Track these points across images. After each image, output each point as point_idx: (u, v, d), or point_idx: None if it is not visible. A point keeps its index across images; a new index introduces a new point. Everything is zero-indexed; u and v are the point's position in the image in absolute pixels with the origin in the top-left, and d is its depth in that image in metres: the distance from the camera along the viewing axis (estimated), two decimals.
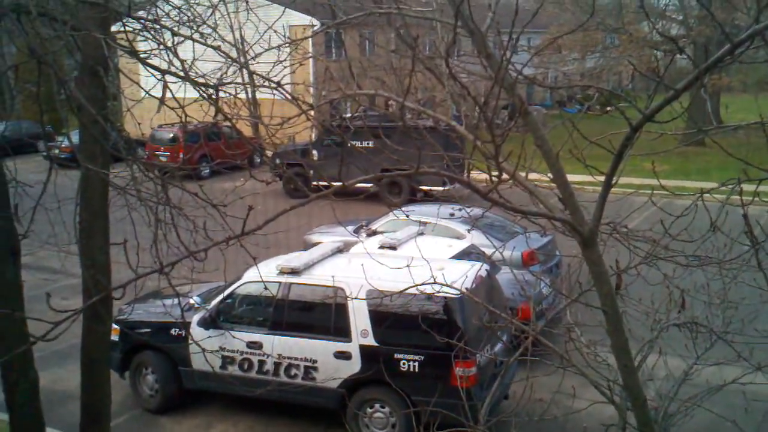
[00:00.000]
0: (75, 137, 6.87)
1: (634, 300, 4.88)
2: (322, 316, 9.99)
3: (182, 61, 4.42)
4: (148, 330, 10.86)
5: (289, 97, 4.15)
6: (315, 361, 9.81)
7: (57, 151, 25.71)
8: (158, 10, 6.01)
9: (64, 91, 5.31)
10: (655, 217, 4.49)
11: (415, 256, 7.28)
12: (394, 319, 9.43)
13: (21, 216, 6.68)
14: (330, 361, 9.73)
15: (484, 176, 3.75)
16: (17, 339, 6.63)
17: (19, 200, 6.66)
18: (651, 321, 5.13)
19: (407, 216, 11.19)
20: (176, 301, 9.15)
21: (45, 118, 8.55)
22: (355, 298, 9.23)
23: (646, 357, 4.90)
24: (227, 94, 4.79)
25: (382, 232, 14.82)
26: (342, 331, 9.69)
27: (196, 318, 10.52)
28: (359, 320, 9.58)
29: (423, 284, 5.13)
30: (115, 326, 10.58)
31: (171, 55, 4.43)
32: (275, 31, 5.48)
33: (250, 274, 10.23)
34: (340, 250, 11.32)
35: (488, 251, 12.02)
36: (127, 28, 5.74)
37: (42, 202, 6.39)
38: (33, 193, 6.53)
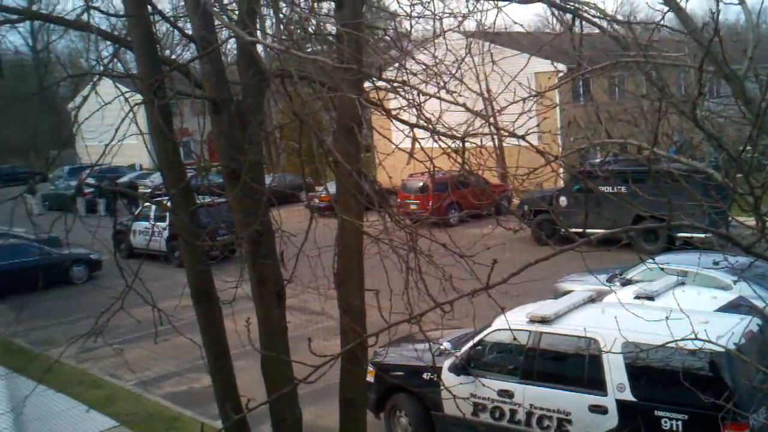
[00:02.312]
0: (332, 188, 7.32)
1: None
2: (575, 367, 9.65)
3: (427, 120, 4.56)
4: (402, 373, 11.16)
5: (535, 148, 4.10)
6: (569, 414, 9.48)
7: (317, 201, 27.56)
8: (407, 69, 6.27)
9: (322, 147, 5.69)
10: None
11: (675, 307, 6.84)
12: (653, 374, 8.90)
13: (286, 262, 7.22)
14: (585, 415, 9.34)
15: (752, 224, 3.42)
16: (283, 378, 7.10)
17: (284, 247, 7.19)
18: None
19: (661, 268, 10.55)
20: (428, 346, 9.33)
21: (306, 170, 9.16)
22: (611, 351, 8.84)
23: None
24: (474, 145, 4.85)
25: (637, 282, 14.12)
26: (597, 384, 9.29)
27: (447, 363, 10.64)
28: (615, 374, 9.13)
29: (684, 339, 4.78)
30: (371, 368, 10.99)
31: (419, 111, 4.59)
32: (519, 83, 5.47)
33: (500, 322, 10.17)
34: (592, 300, 10.93)
35: (761, 304, 10.97)
36: (378, 86, 6.04)
37: (304, 250, 6.85)
38: (296, 241, 7.03)
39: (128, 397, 14.48)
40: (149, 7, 7.14)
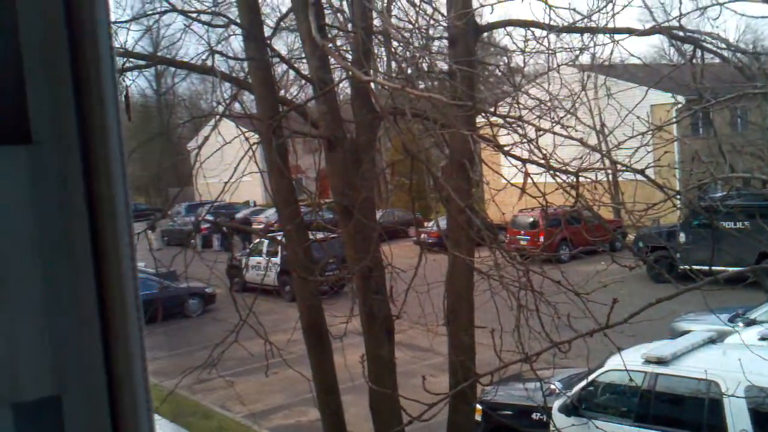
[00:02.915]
0: (442, 223, 7.32)
1: None
2: (694, 411, 9.25)
3: (543, 154, 4.51)
4: (510, 412, 10.94)
5: (656, 184, 4.00)
6: None
7: (425, 236, 27.40)
8: (520, 104, 6.23)
9: (434, 182, 5.71)
10: None
11: None
12: None
13: (395, 298, 7.24)
14: None
15: None
16: (391, 414, 7.09)
17: (393, 283, 7.22)
18: None
19: None
20: (537, 385, 9.13)
21: (415, 206, 9.24)
22: (733, 395, 8.41)
23: None
24: (588, 179, 4.77)
25: (762, 322, 13.40)
26: (717, 430, 8.85)
27: (557, 404, 10.37)
28: (738, 419, 8.67)
29: None
30: (479, 406, 10.82)
31: (532, 146, 4.55)
32: (637, 117, 5.35)
33: (613, 362, 9.85)
34: (712, 341, 10.45)
35: None
36: (491, 122, 6.03)
37: (413, 285, 6.86)
38: (405, 277, 7.05)
39: (238, 429, 14.74)
40: (268, 50, 7.40)
